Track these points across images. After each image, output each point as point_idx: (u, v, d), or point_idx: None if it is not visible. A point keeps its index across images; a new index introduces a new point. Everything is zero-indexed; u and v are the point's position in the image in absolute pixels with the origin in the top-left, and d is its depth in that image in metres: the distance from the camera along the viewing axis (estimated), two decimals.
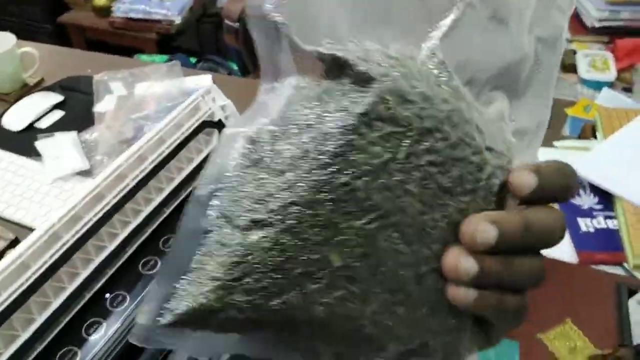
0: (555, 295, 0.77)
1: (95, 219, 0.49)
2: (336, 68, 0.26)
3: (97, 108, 1.15)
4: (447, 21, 0.29)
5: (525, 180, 0.25)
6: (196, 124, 0.59)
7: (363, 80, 0.25)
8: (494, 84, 0.31)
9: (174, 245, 0.26)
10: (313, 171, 0.24)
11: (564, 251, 0.84)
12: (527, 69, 0.32)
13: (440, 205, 0.26)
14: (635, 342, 0.72)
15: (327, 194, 0.24)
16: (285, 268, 0.25)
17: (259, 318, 0.26)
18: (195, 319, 0.25)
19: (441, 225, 0.26)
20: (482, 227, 0.25)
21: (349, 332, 0.27)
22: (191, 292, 0.25)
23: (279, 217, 0.24)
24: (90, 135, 1.07)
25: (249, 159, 0.26)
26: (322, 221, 0.24)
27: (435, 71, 0.27)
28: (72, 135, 1.06)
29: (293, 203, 0.24)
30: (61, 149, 1.03)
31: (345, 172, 0.24)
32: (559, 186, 0.26)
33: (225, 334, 0.27)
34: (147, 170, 0.54)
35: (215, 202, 0.26)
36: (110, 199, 0.51)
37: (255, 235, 0.24)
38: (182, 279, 0.25)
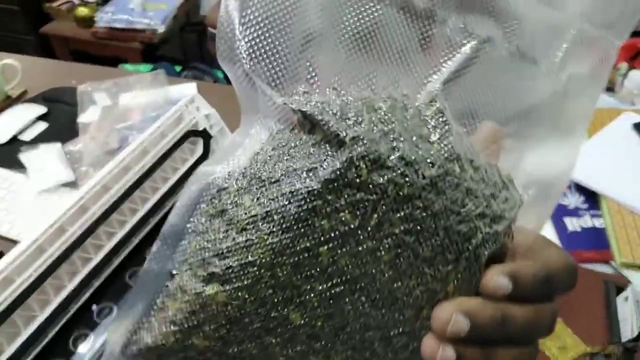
0: None
1: (80, 231, 0.49)
2: (308, 123, 0.25)
3: (82, 119, 1.15)
4: (455, 61, 0.26)
5: (497, 285, 0.24)
6: (180, 134, 0.59)
7: (336, 141, 0.23)
8: (510, 129, 0.27)
9: (140, 278, 0.26)
10: (274, 234, 0.23)
11: None
12: (554, 111, 0.28)
13: (417, 274, 0.24)
14: (623, 339, 0.72)
15: (287, 258, 0.23)
16: (242, 322, 0.24)
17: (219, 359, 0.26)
18: (158, 354, 0.26)
19: (416, 293, 0.25)
20: (454, 317, 0.23)
21: None
22: (153, 330, 0.26)
23: (237, 275, 0.24)
24: (74, 146, 1.06)
25: (214, 208, 0.25)
26: (282, 283, 0.24)
27: (431, 123, 0.25)
28: (57, 146, 1.05)
29: (251, 264, 0.23)
30: (46, 161, 1.02)
31: (307, 237, 0.23)
32: (540, 290, 0.24)
33: None
34: (131, 181, 0.54)
35: (182, 246, 0.26)
36: (95, 211, 0.50)
37: (212, 289, 0.24)
38: (146, 315, 0.26)
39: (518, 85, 0.28)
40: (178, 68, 2.05)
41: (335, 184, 0.23)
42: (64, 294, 0.47)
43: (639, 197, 0.90)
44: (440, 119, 0.25)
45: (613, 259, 0.85)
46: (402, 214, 0.23)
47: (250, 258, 0.24)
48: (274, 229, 0.23)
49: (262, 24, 0.25)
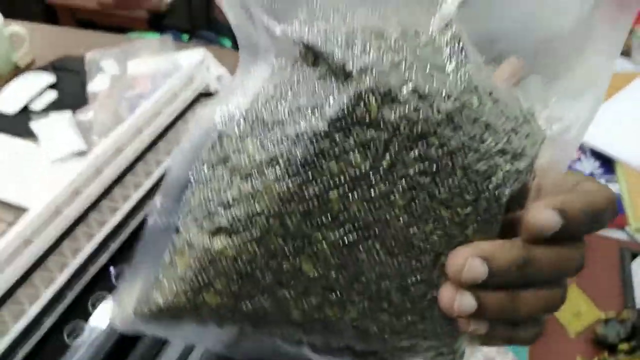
0: None
1: (95, 194, 0.49)
2: (311, 54, 0.23)
3: (91, 87, 1.14)
4: None
5: (545, 222, 0.21)
6: (192, 95, 0.58)
7: (342, 73, 0.21)
8: (532, 61, 0.25)
9: (146, 235, 0.25)
10: (280, 180, 0.22)
11: None
12: (578, 43, 0.25)
13: (433, 218, 0.23)
14: (638, 305, 0.72)
15: (295, 205, 0.22)
16: (254, 275, 0.23)
17: (232, 315, 0.25)
18: (170, 313, 0.25)
19: (433, 239, 0.24)
20: (470, 262, 0.22)
21: (329, 332, 0.26)
22: (163, 290, 0.24)
23: (244, 226, 0.22)
24: (85, 115, 1.05)
25: (216, 155, 0.24)
26: (292, 233, 0.22)
27: (446, 51, 0.23)
28: (68, 115, 1.05)
29: (258, 213, 0.22)
30: (57, 130, 1.02)
31: (316, 182, 0.22)
32: (588, 226, 0.22)
33: (203, 325, 0.26)
34: (145, 143, 0.53)
35: (185, 197, 0.24)
36: (110, 173, 0.50)
37: (220, 243, 0.23)
38: (155, 273, 0.25)
39: (539, 9, 0.26)
40: (185, 37, 2.03)
41: (343, 122, 0.21)
42: (81, 256, 0.47)
43: None
44: (456, 46, 0.23)
45: (628, 224, 0.84)
46: (417, 152, 0.22)
47: (257, 207, 0.22)
48: (280, 175, 0.22)
49: None
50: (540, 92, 0.26)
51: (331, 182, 0.22)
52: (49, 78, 1.16)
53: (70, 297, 0.46)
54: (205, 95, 0.59)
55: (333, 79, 0.22)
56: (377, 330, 0.25)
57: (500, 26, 0.25)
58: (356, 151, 0.22)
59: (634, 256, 0.78)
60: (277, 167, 0.22)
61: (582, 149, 0.93)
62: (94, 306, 0.47)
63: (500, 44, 0.25)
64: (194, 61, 0.58)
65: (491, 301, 0.22)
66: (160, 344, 0.48)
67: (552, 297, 0.23)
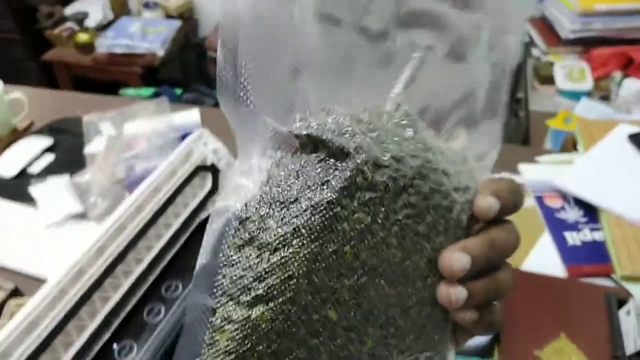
0: (548, 311, 0.79)
1: (99, 272, 0.51)
2: (311, 144, 0.29)
3: (88, 149, 1.17)
4: (408, 71, 0.32)
5: (490, 205, 0.29)
6: (190, 170, 0.61)
7: (340, 154, 0.27)
8: (455, 115, 0.34)
9: (184, 332, 0.28)
10: (304, 246, 0.27)
11: (553, 266, 0.87)
12: (483, 96, 0.35)
13: (419, 250, 0.29)
14: (627, 353, 0.74)
15: (319, 264, 0.27)
16: (290, 332, 0.27)
17: None
18: None
19: (421, 266, 0.30)
20: (456, 256, 0.29)
21: None
22: None
23: (279, 290, 0.27)
24: (82, 177, 1.08)
25: (241, 239, 0.28)
26: (318, 287, 0.27)
27: (403, 123, 0.31)
28: (65, 179, 1.07)
29: (290, 277, 0.27)
30: (54, 194, 1.04)
31: (333, 241, 0.27)
32: (512, 204, 0.30)
33: None
34: (146, 220, 0.56)
35: (216, 282, 0.28)
36: (113, 251, 0.52)
37: (258, 310, 0.27)
38: (199, 350, 0.28)
39: (456, 78, 0.34)
40: (179, 91, 2.08)
41: (349, 190, 0.27)
42: (86, 334, 0.49)
43: (637, 209, 0.92)
44: (409, 119, 0.31)
45: (614, 272, 0.86)
46: (402, 202, 0.28)
47: (288, 272, 0.26)
48: (305, 242, 0.27)
49: (255, 64, 0.29)
50: (467, 138, 0.34)
51: (344, 239, 0.27)
52: (47, 141, 1.19)
53: None
54: (203, 168, 0.62)
55: (332, 160, 0.28)
56: (387, 353, 0.30)
57: (430, 98, 0.33)
58: (360, 210, 0.27)
59: (620, 304, 0.80)
60: (301, 235, 0.27)
61: (566, 198, 0.97)
62: None
63: (433, 109, 0.33)
64: (192, 137, 0.61)
65: (476, 288, 0.29)
66: None
67: (510, 277, 0.31)
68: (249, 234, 0.28)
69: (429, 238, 0.30)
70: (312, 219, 0.27)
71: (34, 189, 1.05)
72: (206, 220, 0.62)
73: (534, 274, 0.84)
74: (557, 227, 0.92)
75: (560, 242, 0.90)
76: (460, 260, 0.29)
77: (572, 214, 0.95)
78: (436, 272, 0.30)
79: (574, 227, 0.93)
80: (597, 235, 0.91)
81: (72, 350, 0.48)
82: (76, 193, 1.06)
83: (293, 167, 0.29)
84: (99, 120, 1.23)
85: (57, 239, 0.94)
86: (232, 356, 0.27)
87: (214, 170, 0.63)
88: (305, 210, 0.27)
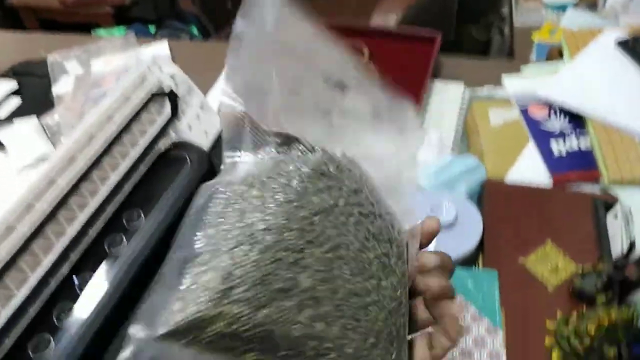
0: (534, 221, 0.78)
1: (50, 206, 0.48)
2: (287, 142, 0.35)
3: (55, 90, 1.12)
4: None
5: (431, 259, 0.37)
6: (145, 95, 0.57)
7: (309, 150, 0.35)
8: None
9: (165, 264, 0.30)
10: (282, 204, 0.31)
11: (538, 176, 0.84)
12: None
13: (372, 247, 0.34)
14: (614, 256, 0.73)
15: (293, 224, 0.31)
16: (266, 282, 0.29)
17: (244, 335, 0.28)
18: (188, 330, 0.27)
19: (375, 264, 0.34)
20: (435, 256, 0.37)
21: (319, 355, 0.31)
22: (185, 303, 0.28)
23: (259, 239, 0.30)
24: (51, 119, 1.04)
25: (226, 203, 0.32)
26: (292, 245, 0.30)
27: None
28: (33, 121, 1.03)
29: (267, 229, 0.30)
30: (24, 137, 1.00)
31: (305, 208, 0.32)
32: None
33: (213, 354, 0.29)
34: (99, 150, 0.52)
35: (198, 237, 0.30)
36: (63, 183, 0.49)
37: (241, 251, 0.29)
38: (176, 293, 0.28)
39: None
40: (152, 28, 2.00)
41: (316, 171, 0.33)
42: (41, 270, 0.47)
43: (624, 116, 0.89)
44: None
45: (601, 177, 0.84)
46: (356, 200, 0.34)
47: (266, 226, 0.30)
48: (283, 200, 0.31)
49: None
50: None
51: (314, 210, 0.32)
52: (11, 84, 1.14)
53: (32, 311, 0.46)
54: (159, 93, 0.58)
55: (303, 153, 0.34)
56: (352, 351, 0.32)
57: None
58: (325, 191, 0.33)
59: (607, 208, 0.78)
60: (280, 195, 0.32)
61: (551, 108, 0.93)
62: (59, 319, 0.46)
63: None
64: (145, 62, 0.57)
65: (436, 283, 0.36)
66: None
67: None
68: (231, 200, 0.32)
69: (378, 240, 0.35)
70: (291, 183, 0.32)
71: (2, 134, 1.01)
72: (169, 149, 0.59)
73: (519, 185, 0.82)
74: (543, 137, 0.89)
75: (546, 152, 0.87)
76: (439, 258, 0.37)
77: (558, 124, 0.91)
78: (386, 278, 0.34)
79: (560, 136, 0.90)
80: (584, 144, 0.88)
81: (26, 287, 0.45)
82: (46, 135, 1.02)
83: (272, 160, 0.34)
84: (64, 59, 1.17)
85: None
86: (212, 292, 0.28)
87: (172, 95, 0.60)
88: (284, 176, 0.32)
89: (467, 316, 0.54)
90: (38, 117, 1.05)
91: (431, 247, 0.69)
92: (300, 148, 0.35)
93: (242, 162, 0.35)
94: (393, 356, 0.34)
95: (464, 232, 0.72)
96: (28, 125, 1.04)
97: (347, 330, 0.32)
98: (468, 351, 0.52)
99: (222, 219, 0.31)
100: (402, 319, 0.37)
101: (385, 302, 0.34)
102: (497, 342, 0.52)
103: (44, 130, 1.03)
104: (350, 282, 0.32)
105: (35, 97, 1.13)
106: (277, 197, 0.32)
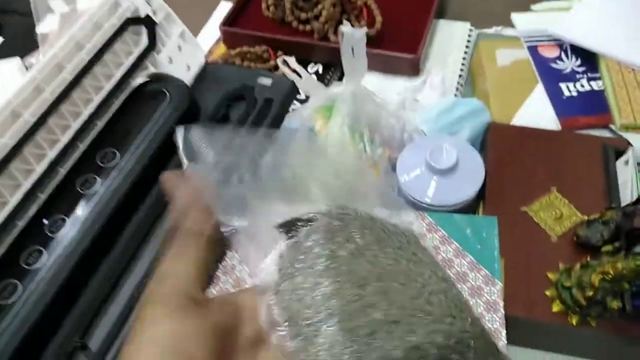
0: (539, 167, 0.74)
1: (14, 140, 0.44)
2: (289, 226, 0.38)
3: (40, 29, 1.07)
4: None
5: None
6: (118, 22, 0.52)
7: (310, 220, 0.37)
8: None
9: None
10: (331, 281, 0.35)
11: (546, 119, 0.80)
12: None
13: (399, 258, 0.38)
14: (623, 204, 0.69)
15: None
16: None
17: None
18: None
19: (410, 269, 0.37)
20: None
21: None
22: None
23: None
24: (35, 59, 0.99)
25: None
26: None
27: None
28: (16, 61, 0.98)
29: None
30: (6, 78, 0.96)
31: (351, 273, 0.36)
32: None
33: None
34: (67, 80, 0.48)
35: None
36: (28, 117, 0.45)
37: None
38: None
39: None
40: None
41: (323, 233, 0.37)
42: (5, 211, 0.43)
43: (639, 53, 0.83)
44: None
45: (613, 122, 0.79)
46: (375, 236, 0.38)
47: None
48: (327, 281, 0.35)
49: None
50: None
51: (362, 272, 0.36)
52: None
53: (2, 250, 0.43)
54: (134, 20, 0.53)
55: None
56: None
57: None
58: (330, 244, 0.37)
59: (618, 154, 0.74)
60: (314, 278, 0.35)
61: (562, 47, 0.87)
62: (28, 262, 0.43)
63: None
64: None
65: None
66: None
67: None
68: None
69: (402, 249, 0.38)
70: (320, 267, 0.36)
71: None
72: (147, 82, 0.55)
73: (525, 127, 0.77)
74: (552, 78, 0.84)
75: (555, 94, 0.82)
76: None
77: (569, 64, 0.86)
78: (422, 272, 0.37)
79: (570, 77, 0.84)
80: (595, 85, 0.83)
81: None
82: None
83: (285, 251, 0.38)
84: None
85: None
86: None
87: (148, 23, 0.55)
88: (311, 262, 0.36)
89: (463, 264, 0.51)
90: (21, 57, 1.00)
91: (431, 191, 0.65)
92: (302, 224, 0.39)
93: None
94: (466, 318, 0.36)
95: (465, 177, 0.68)
96: (10, 65, 0.99)
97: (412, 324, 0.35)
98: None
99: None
100: (454, 289, 0.38)
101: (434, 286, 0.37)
102: (495, 292, 0.49)
103: (27, 71, 0.98)
104: (402, 293, 0.36)
105: (18, 36, 1.07)
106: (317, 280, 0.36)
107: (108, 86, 0.52)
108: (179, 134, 0.45)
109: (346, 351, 0.34)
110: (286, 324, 0.36)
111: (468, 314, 0.37)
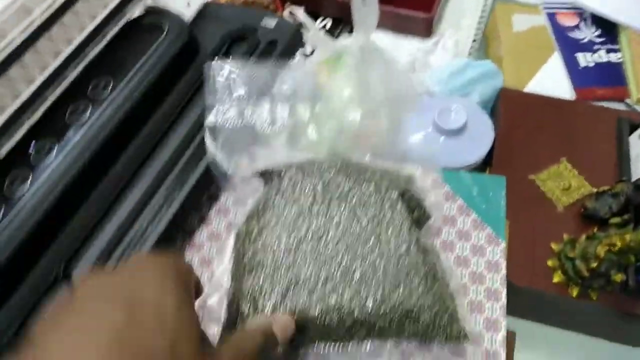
0: (550, 136, 0.71)
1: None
2: (265, 175, 0.47)
3: None
4: None
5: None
6: None
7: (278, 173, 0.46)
8: None
9: None
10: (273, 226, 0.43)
11: (561, 89, 0.77)
12: None
13: (361, 215, 0.43)
14: (635, 177, 0.66)
15: (289, 229, 0.43)
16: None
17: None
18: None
19: (369, 228, 0.43)
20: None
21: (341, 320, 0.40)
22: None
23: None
24: None
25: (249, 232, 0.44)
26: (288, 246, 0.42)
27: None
28: None
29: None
30: None
31: (289, 216, 0.43)
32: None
33: None
34: (59, 3, 0.45)
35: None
36: (16, 37, 0.43)
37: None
38: None
39: None
40: None
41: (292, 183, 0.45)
42: None
43: None
44: None
45: (629, 96, 0.76)
46: (333, 187, 0.45)
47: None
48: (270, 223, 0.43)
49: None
50: None
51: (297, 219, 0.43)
52: None
53: None
54: None
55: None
56: (370, 304, 0.39)
57: None
58: (301, 195, 0.45)
59: (632, 129, 0.71)
60: (281, 217, 0.44)
61: (582, 15, 0.84)
62: (12, 188, 0.41)
63: None
64: None
65: None
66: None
67: None
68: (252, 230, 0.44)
69: (366, 206, 0.44)
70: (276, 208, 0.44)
71: None
72: (142, 16, 0.52)
73: (538, 95, 0.74)
74: (569, 46, 0.81)
75: (571, 63, 0.79)
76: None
77: (587, 33, 0.82)
78: (386, 232, 0.43)
79: (588, 47, 0.81)
80: (614, 57, 0.80)
81: None
82: None
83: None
84: None
85: None
86: None
87: None
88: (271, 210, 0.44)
89: (467, 222, 0.49)
90: None
91: (437, 152, 0.62)
92: (275, 174, 0.46)
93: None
94: (420, 289, 0.39)
95: (473, 140, 0.66)
96: None
97: (360, 288, 0.39)
98: (464, 258, 0.47)
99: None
100: (417, 256, 0.41)
101: (390, 251, 0.41)
102: (498, 252, 0.47)
103: None
104: (346, 253, 0.41)
105: None
106: (263, 222, 0.43)
107: (103, 13, 0.49)
108: (208, 69, 0.47)
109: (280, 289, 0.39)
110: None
111: (426, 285, 0.40)
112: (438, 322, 0.39)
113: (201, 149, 0.47)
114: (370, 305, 0.38)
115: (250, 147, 0.46)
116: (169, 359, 0.23)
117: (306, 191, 0.44)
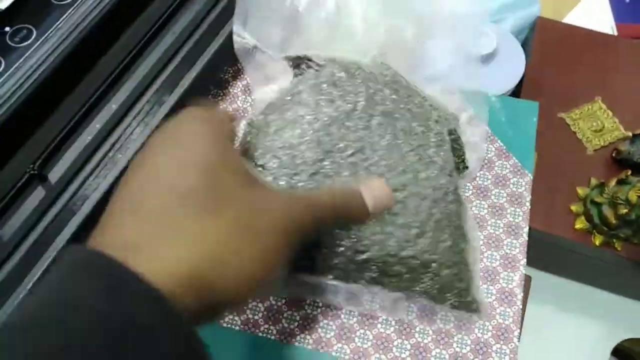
0: (586, 73, 0.65)
1: None
2: (298, 62, 0.41)
3: None
4: None
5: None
6: None
7: (319, 65, 0.40)
8: None
9: None
10: (295, 123, 0.37)
11: (602, 23, 0.70)
12: None
13: (403, 143, 0.37)
14: None
15: (317, 133, 0.36)
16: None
17: None
18: None
19: (410, 158, 0.37)
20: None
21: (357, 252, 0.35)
22: None
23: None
24: None
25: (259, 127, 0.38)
26: (309, 160, 0.36)
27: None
28: None
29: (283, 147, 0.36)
30: None
31: (319, 120, 0.37)
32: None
33: None
34: None
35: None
36: None
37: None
38: None
39: None
40: None
41: (330, 83, 0.39)
42: None
43: None
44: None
45: None
46: (379, 102, 0.39)
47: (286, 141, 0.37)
48: (293, 119, 0.37)
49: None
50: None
51: (328, 120, 0.37)
52: None
53: None
54: None
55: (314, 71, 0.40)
56: (394, 244, 0.34)
57: None
58: (338, 100, 0.38)
59: None
60: (303, 110, 0.38)
61: None
62: None
63: None
64: None
65: None
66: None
67: None
68: (266, 123, 0.38)
69: (410, 134, 0.38)
70: (300, 107, 0.38)
71: None
72: None
73: (577, 26, 0.67)
74: None
75: None
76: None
77: None
78: (425, 169, 0.37)
79: None
80: None
81: None
82: None
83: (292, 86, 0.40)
84: None
85: None
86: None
87: None
88: (296, 100, 0.38)
89: (491, 150, 0.44)
90: None
91: (464, 78, 0.57)
92: (312, 65, 0.40)
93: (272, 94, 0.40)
94: (447, 243, 0.35)
95: (502, 69, 0.60)
96: None
97: (386, 225, 0.34)
98: (485, 187, 0.42)
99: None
100: (452, 206, 0.36)
101: (426, 192, 0.36)
102: (523, 184, 0.42)
103: None
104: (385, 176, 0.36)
105: None
106: (288, 116, 0.37)
107: None
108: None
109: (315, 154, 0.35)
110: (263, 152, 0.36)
111: (453, 241, 0.35)
112: (455, 284, 0.35)
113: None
114: (393, 245, 0.34)
115: (284, 26, 0.41)
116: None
117: (347, 96, 0.37)
